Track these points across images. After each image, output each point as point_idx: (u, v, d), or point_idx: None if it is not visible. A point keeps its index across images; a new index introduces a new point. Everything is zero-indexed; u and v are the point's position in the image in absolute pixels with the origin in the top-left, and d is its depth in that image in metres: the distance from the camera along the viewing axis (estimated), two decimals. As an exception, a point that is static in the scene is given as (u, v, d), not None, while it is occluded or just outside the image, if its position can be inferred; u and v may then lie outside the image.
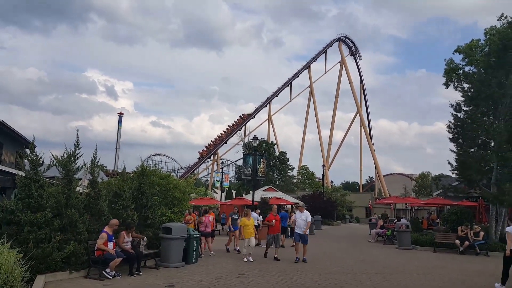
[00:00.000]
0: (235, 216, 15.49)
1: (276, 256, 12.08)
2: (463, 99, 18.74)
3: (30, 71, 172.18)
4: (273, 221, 12.33)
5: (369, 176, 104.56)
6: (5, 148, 18.22)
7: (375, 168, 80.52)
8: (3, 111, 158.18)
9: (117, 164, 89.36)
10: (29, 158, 8.86)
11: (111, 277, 8.62)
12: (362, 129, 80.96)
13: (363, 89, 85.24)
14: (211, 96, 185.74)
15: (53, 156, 9.48)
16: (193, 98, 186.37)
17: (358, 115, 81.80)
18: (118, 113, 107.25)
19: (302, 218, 12.09)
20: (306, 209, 12.63)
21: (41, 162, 8.89)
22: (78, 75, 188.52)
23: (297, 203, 36.99)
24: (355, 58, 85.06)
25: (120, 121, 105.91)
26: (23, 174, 8.75)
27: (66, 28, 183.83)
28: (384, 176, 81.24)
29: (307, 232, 12.04)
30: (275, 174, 65.52)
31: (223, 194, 40.55)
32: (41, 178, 8.74)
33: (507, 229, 9.19)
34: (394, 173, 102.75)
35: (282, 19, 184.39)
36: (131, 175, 13.45)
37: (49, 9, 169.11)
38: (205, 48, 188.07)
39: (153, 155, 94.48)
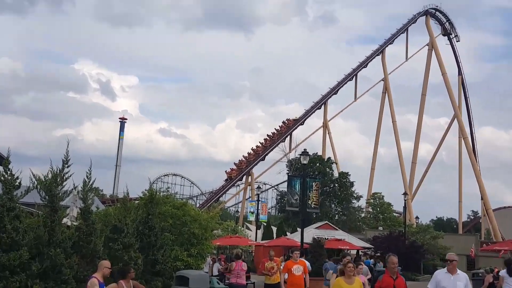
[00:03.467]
0: (328, 266, 14.72)
1: None
2: None
3: (1, 62, 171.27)
4: None
5: (472, 210, 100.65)
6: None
7: (481, 198, 77.45)
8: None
9: (116, 187, 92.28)
10: (1, 178, 9.23)
11: None
12: (462, 141, 78.30)
13: (462, 84, 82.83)
14: (239, 94, 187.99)
15: (33, 175, 9.82)
16: (215, 97, 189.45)
17: (455, 120, 79.33)
18: (119, 118, 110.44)
19: (460, 286, 9.34)
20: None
21: (17, 184, 9.23)
22: (64, 67, 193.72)
23: (366, 248, 36.18)
24: (450, 39, 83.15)
25: (122, 129, 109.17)
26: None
27: (46, 6, 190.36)
28: (494, 210, 77.76)
29: None
30: (333, 205, 64.79)
31: (259, 232, 40.46)
32: (17, 206, 9.07)
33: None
34: (508, 206, 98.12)
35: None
36: (136, 202, 13.70)
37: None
38: (229, 30, 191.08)
39: (164, 175, 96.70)
